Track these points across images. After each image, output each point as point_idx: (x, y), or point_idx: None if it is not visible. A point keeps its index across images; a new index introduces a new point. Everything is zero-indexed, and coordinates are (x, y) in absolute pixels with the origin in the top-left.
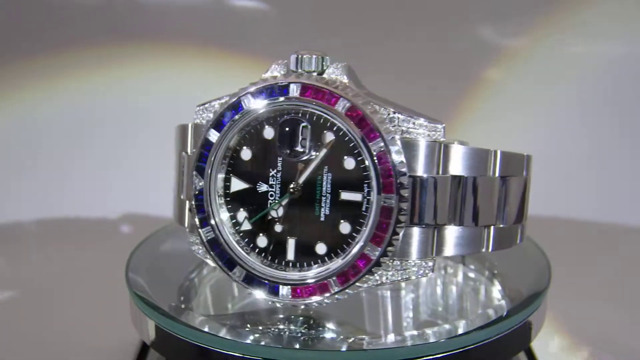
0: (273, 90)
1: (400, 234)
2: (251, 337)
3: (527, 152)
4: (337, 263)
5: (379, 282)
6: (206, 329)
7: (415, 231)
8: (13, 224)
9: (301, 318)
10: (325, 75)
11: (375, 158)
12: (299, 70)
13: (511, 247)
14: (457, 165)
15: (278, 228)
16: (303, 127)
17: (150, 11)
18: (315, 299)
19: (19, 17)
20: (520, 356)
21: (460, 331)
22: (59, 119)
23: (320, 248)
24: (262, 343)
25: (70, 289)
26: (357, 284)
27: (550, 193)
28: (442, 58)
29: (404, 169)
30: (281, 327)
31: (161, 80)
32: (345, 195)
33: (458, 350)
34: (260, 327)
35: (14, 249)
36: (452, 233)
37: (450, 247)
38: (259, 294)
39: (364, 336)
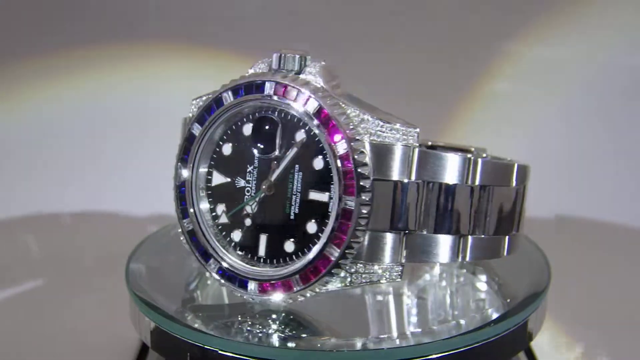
0: (250, 88)
1: (364, 237)
2: (251, 338)
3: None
4: (301, 262)
5: (343, 285)
6: (206, 330)
7: (381, 235)
8: (13, 224)
9: (299, 319)
10: (302, 75)
11: (338, 159)
12: (280, 68)
13: (495, 258)
14: (431, 171)
15: (252, 223)
16: (276, 125)
17: (161, 11)
18: (279, 296)
19: (27, 16)
20: (520, 356)
21: (460, 331)
22: (66, 118)
23: (289, 246)
24: (262, 343)
25: (70, 289)
26: (319, 285)
27: (549, 193)
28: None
29: (366, 172)
30: (281, 327)
31: (172, 80)
32: (313, 195)
33: (458, 350)
34: (260, 328)
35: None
36: (423, 240)
37: (419, 254)
38: (229, 287)
39: (363, 336)
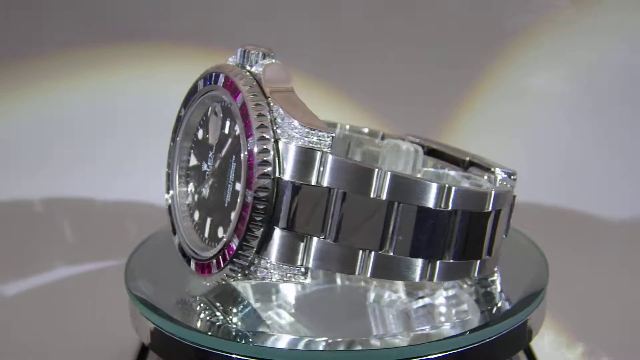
0: (210, 78)
1: (259, 232)
2: (251, 338)
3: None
4: (217, 247)
5: (254, 277)
6: (205, 331)
7: (278, 234)
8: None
9: (299, 319)
10: (254, 69)
11: (247, 154)
12: (242, 62)
13: (407, 280)
14: (331, 177)
15: (204, 207)
16: (220, 115)
17: (168, 11)
18: (204, 277)
19: (30, 15)
20: (520, 355)
21: (460, 331)
22: (66, 119)
23: (220, 231)
24: (262, 344)
25: (70, 289)
26: (231, 271)
27: (549, 192)
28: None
29: (266, 170)
30: (281, 327)
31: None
32: (237, 186)
33: (457, 350)
34: (259, 328)
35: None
36: (319, 245)
37: (314, 260)
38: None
39: (363, 336)
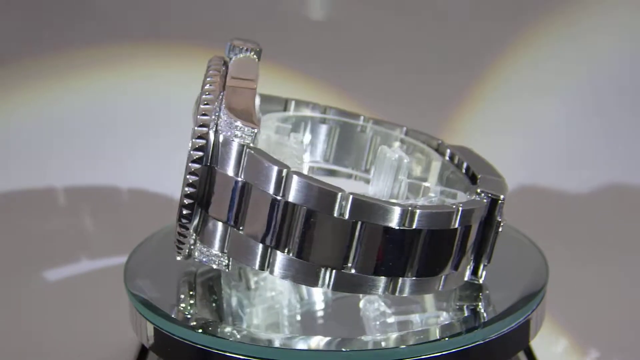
0: (210, 67)
1: (189, 215)
2: (250, 338)
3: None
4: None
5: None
6: (206, 331)
7: (214, 222)
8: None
9: (298, 319)
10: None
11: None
12: (229, 55)
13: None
14: (248, 173)
15: None
16: None
17: (161, 12)
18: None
19: (27, 16)
20: (520, 355)
21: (459, 330)
22: (66, 119)
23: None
24: (262, 344)
25: (70, 289)
26: (176, 251)
27: (549, 192)
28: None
29: (196, 156)
30: (281, 327)
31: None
32: None
33: (457, 350)
34: (259, 329)
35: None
36: (242, 240)
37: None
38: None
39: (363, 336)
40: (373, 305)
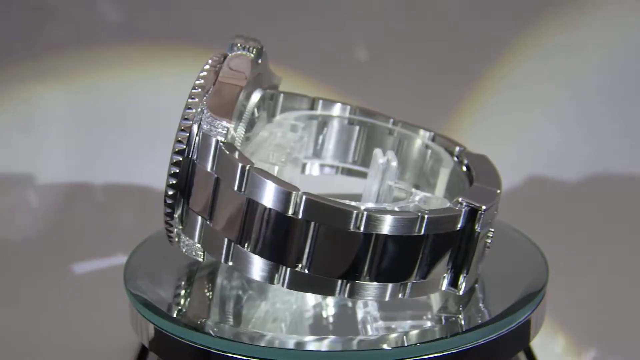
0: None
1: (172, 206)
2: (250, 338)
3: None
4: None
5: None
6: (206, 331)
7: (194, 215)
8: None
9: (297, 319)
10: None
11: None
12: (231, 52)
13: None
14: (217, 166)
15: None
16: None
17: (161, 12)
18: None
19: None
20: (520, 355)
21: (458, 330)
22: (66, 119)
23: None
24: (262, 344)
25: (70, 290)
26: (171, 238)
27: (548, 191)
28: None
29: (178, 148)
30: (280, 327)
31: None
32: None
33: (457, 350)
34: (259, 329)
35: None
36: (207, 231)
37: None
38: None
39: (363, 336)
40: (367, 308)
